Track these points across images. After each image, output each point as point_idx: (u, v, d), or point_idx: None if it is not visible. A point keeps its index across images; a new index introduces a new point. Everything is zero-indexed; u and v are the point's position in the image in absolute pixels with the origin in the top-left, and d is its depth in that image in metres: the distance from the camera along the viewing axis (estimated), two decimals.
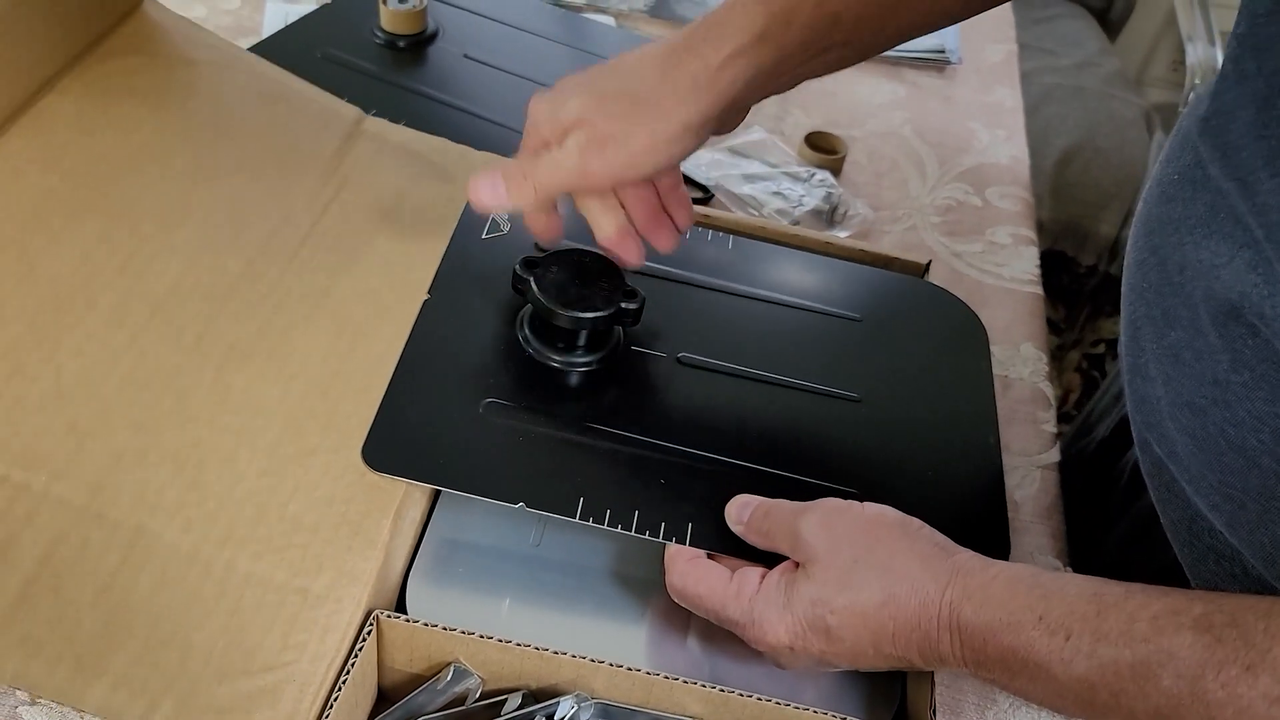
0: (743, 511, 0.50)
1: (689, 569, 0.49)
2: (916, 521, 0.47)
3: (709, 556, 0.50)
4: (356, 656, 0.45)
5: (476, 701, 0.49)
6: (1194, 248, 0.43)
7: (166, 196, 0.59)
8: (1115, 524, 0.64)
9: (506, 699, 0.48)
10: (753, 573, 0.48)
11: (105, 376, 0.51)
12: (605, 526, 0.50)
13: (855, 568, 0.45)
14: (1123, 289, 0.52)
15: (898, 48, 0.60)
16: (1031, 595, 0.41)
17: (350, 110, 0.69)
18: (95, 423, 0.50)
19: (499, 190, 0.52)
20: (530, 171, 0.52)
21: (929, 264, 0.69)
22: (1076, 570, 0.61)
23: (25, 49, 0.60)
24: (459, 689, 0.48)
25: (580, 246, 0.58)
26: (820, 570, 0.45)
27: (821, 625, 0.45)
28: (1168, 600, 0.39)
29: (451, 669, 0.48)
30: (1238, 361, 0.41)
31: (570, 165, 0.51)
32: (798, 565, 0.47)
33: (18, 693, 0.48)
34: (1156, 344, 0.47)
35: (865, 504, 0.48)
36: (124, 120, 0.62)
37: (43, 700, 0.47)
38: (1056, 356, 1.61)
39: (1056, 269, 1.52)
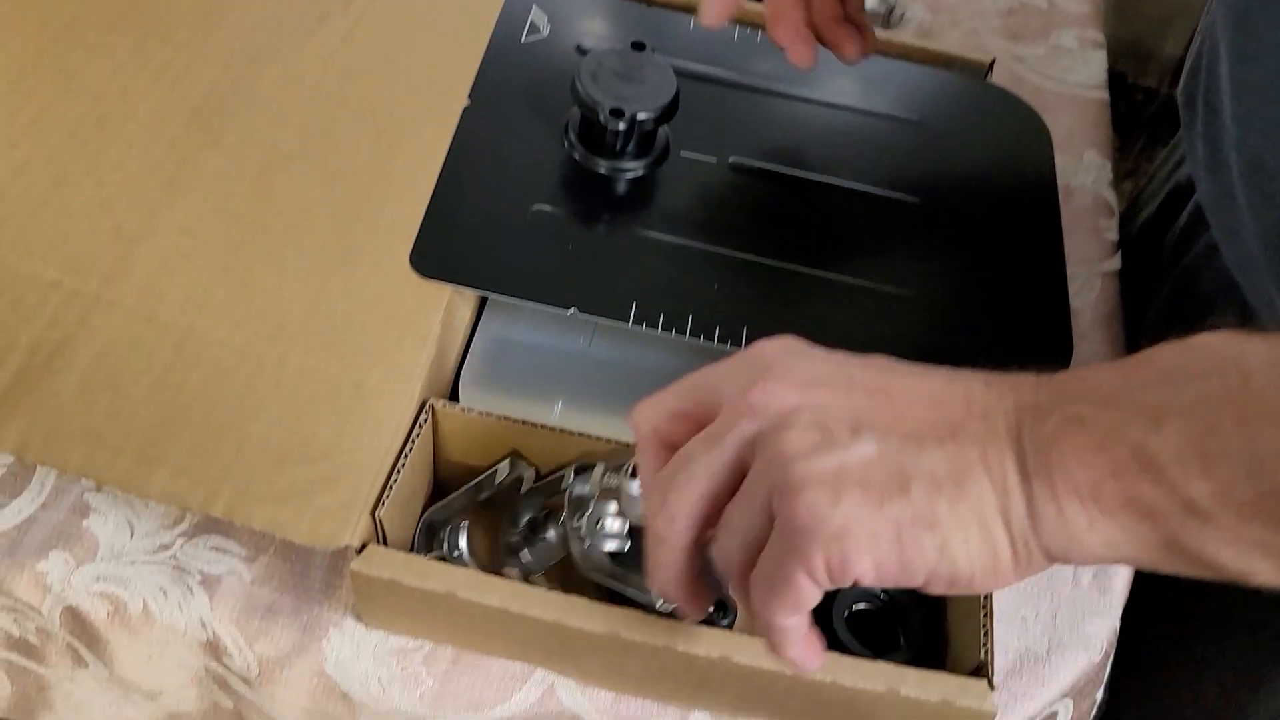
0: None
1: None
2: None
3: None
4: (414, 443, 0.45)
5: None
6: None
7: (200, 5, 0.58)
8: (1157, 294, 0.62)
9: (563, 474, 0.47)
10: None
11: (147, 183, 0.51)
12: (660, 331, 0.50)
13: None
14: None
15: None
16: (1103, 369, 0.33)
17: None
18: (140, 228, 0.50)
19: None
20: None
21: (993, 63, 0.65)
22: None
23: None
24: (515, 479, 0.48)
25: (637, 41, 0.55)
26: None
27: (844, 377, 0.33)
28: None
29: (508, 461, 0.48)
30: None
31: None
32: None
33: (83, 480, 0.49)
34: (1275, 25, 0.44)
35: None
36: None
37: (107, 488, 0.48)
38: None
39: (1113, 95, 1.46)
